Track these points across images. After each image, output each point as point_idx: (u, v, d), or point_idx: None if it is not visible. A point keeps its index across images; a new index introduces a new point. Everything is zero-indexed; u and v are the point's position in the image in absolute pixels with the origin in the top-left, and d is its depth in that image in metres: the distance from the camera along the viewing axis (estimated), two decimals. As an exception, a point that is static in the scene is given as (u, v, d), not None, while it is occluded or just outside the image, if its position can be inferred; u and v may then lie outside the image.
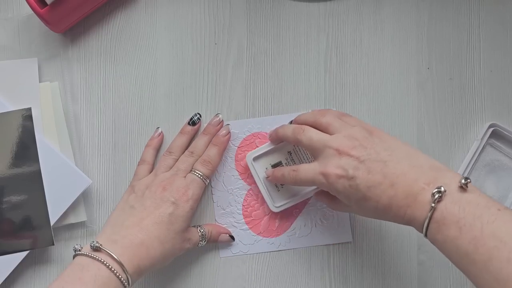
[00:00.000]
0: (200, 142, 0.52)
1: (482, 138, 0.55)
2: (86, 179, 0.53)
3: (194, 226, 0.52)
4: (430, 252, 0.55)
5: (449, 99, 0.57)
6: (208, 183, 0.54)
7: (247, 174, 0.54)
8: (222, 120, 0.54)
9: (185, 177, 0.50)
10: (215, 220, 0.54)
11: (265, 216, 0.54)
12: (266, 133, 0.55)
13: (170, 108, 0.56)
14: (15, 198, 0.51)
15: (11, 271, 0.51)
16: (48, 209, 0.51)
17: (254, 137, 0.55)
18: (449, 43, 0.57)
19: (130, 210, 0.47)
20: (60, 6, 0.52)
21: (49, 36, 0.56)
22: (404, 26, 0.57)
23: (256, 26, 0.57)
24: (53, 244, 0.51)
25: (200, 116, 0.54)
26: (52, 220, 0.51)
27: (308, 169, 0.45)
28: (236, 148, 0.55)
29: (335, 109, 0.56)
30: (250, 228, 0.54)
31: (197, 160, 0.51)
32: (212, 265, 0.54)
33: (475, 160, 0.55)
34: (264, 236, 0.54)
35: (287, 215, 0.54)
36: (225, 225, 0.54)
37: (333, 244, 0.55)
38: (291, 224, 0.54)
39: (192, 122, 0.54)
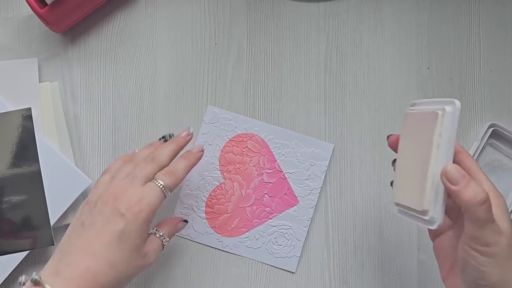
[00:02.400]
0: (164, 150, 0.46)
1: (482, 138, 0.55)
2: (86, 179, 0.53)
3: (151, 233, 0.46)
4: (430, 252, 0.55)
5: (449, 99, 0.57)
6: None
7: (226, 168, 0.54)
8: (192, 133, 0.49)
9: (143, 185, 0.43)
10: (178, 197, 0.54)
11: (226, 214, 0.54)
12: (261, 137, 0.55)
13: (170, 108, 0.56)
14: (15, 198, 0.51)
15: (11, 271, 0.51)
16: (48, 209, 0.51)
17: (248, 137, 0.55)
18: (449, 43, 0.57)
19: (80, 229, 0.42)
20: (60, 6, 0.52)
21: (49, 36, 0.56)
22: (404, 26, 0.57)
23: (256, 26, 0.57)
24: (53, 244, 0.51)
25: (173, 135, 0.50)
26: (52, 220, 0.51)
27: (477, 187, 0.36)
28: (228, 140, 0.55)
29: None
30: (207, 218, 0.54)
31: (157, 168, 0.45)
32: (212, 265, 0.54)
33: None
34: (216, 232, 0.54)
35: (246, 222, 0.54)
36: (185, 206, 0.54)
37: (332, 242, 0.55)
38: (246, 232, 0.54)
39: (163, 139, 0.49)
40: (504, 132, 0.55)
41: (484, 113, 0.57)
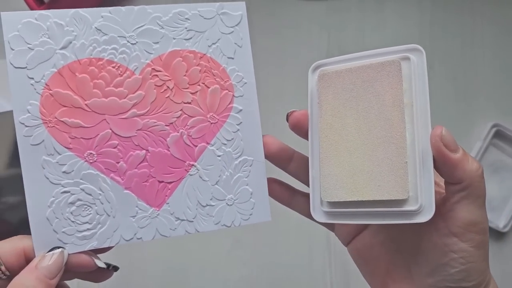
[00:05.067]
0: None
1: (485, 138, 0.54)
2: (85, 180, 0.52)
3: None
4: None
5: (452, 98, 0.56)
6: None
7: (153, 69, 0.31)
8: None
9: None
10: None
11: (81, 109, 0.30)
12: (117, 63, 0.30)
13: (169, 108, 0.55)
14: (12, 199, 0.51)
15: (8, 272, 0.50)
16: (46, 210, 0.50)
17: (103, 64, 0.30)
18: (452, 42, 0.57)
19: None
20: (58, 5, 0.51)
21: (47, 34, 0.55)
22: (407, 24, 0.56)
23: (257, 23, 0.56)
24: (51, 246, 0.51)
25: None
26: (50, 221, 0.51)
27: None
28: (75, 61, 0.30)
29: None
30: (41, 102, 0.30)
31: None
32: (213, 266, 0.54)
33: (478, 161, 0.54)
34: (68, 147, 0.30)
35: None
36: None
37: (333, 243, 0.54)
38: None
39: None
40: (507, 132, 0.54)
41: (487, 113, 0.56)
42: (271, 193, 0.33)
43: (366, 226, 0.33)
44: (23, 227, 0.51)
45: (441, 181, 0.29)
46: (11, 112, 0.52)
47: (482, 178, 0.27)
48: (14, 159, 0.51)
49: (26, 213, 0.50)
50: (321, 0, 0.56)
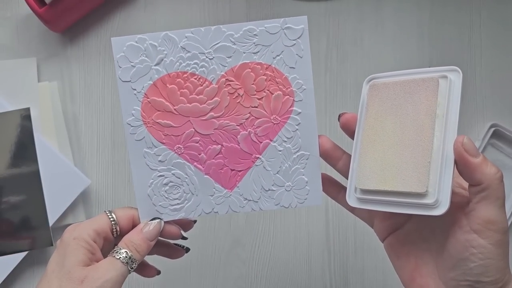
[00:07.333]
0: None
1: (483, 138, 0.55)
2: (85, 179, 0.52)
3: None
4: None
5: (450, 98, 0.56)
6: None
7: (225, 79, 0.38)
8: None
9: None
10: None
11: (169, 103, 0.38)
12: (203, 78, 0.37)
13: (169, 108, 0.55)
14: (13, 199, 0.51)
15: (9, 272, 0.50)
16: (47, 210, 0.51)
17: (187, 77, 0.38)
18: (450, 42, 0.57)
19: None
20: (59, 5, 0.51)
21: (48, 35, 0.55)
22: (405, 25, 0.57)
23: (256, 25, 0.56)
24: (52, 245, 0.51)
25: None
26: (51, 220, 0.51)
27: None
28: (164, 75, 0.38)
29: (337, 109, 0.55)
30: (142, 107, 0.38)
31: None
32: (212, 266, 0.54)
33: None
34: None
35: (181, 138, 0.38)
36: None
37: (333, 243, 0.54)
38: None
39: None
40: (506, 132, 0.54)
41: (485, 113, 0.56)
42: (322, 187, 0.38)
43: (401, 224, 0.37)
44: (24, 227, 0.51)
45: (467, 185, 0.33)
46: (11, 112, 0.52)
47: (501, 182, 0.31)
48: (15, 159, 0.51)
49: (27, 212, 0.50)
50: (320, 1, 0.56)
